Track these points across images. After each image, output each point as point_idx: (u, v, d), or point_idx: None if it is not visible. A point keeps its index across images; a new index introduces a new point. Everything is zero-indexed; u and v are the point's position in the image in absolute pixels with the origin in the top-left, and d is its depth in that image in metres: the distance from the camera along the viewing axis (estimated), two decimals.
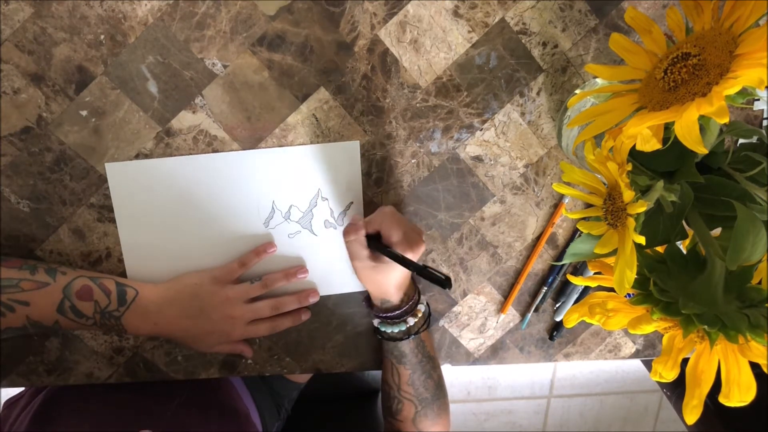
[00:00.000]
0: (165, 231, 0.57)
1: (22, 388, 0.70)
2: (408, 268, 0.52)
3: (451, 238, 0.63)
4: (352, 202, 0.60)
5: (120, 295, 0.54)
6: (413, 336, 0.59)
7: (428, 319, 0.61)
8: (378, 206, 0.60)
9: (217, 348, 0.59)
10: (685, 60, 0.35)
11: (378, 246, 0.54)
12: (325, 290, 0.63)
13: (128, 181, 0.55)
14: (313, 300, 0.61)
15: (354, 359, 0.66)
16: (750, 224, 0.34)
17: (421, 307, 0.60)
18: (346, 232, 0.55)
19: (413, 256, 0.54)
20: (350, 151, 0.58)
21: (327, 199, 0.60)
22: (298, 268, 0.60)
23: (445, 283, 0.49)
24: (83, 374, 0.61)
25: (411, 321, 0.58)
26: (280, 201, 0.59)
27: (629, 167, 0.37)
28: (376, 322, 0.60)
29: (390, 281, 0.56)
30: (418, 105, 0.58)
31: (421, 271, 0.51)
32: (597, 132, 0.40)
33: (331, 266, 0.62)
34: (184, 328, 0.55)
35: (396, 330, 0.58)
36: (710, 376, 0.38)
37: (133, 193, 0.56)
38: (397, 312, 0.58)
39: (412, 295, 0.59)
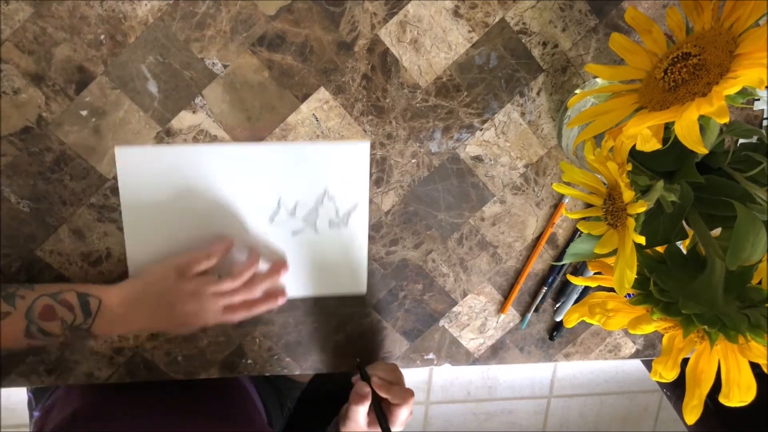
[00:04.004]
0: (169, 218, 0.57)
1: (28, 390, 0.70)
2: None
3: (451, 238, 0.64)
4: (358, 203, 0.60)
5: (83, 307, 0.52)
6: None
7: None
8: (378, 206, 0.60)
9: (201, 327, 0.58)
10: (685, 60, 0.35)
11: (378, 414, 0.57)
12: (325, 290, 0.63)
13: (137, 166, 0.54)
14: (284, 272, 0.60)
15: (354, 359, 0.66)
16: (750, 224, 0.34)
17: None
18: (354, 401, 0.57)
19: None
20: (360, 151, 0.58)
21: (333, 198, 0.59)
22: (279, 263, 0.59)
23: None
24: (83, 374, 0.61)
25: None
26: (287, 197, 0.59)
27: (629, 167, 0.37)
28: None
29: None
30: (418, 105, 0.58)
31: None
32: (597, 132, 0.40)
33: (334, 266, 0.62)
34: (158, 323, 0.55)
35: None
36: (710, 376, 0.38)
37: (141, 179, 0.55)
38: None
39: None
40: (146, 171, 0.55)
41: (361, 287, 0.63)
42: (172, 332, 0.57)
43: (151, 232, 0.57)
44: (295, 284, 0.62)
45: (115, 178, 0.55)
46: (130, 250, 0.57)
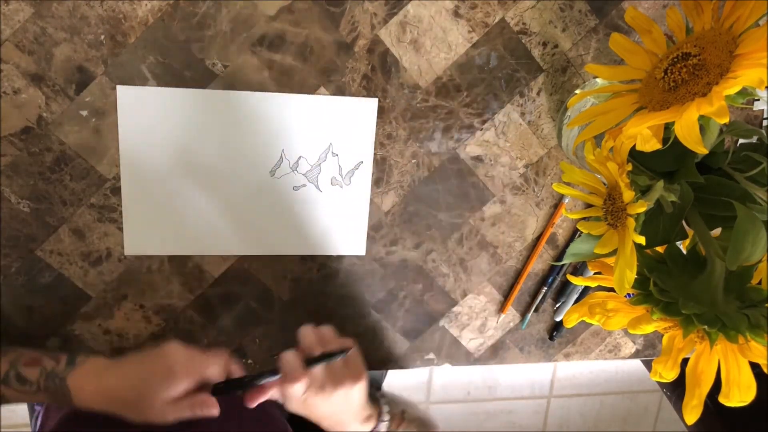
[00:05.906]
0: (168, 163, 0.55)
1: None
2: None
3: (451, 238, 0.63)
4: (362, 162, 0.59)
5: (70, 359, 0.51)
6: None
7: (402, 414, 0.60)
8: (377, 207, 0.60)
9: (171, 418, 0.51)
10: (685, 60, 0.35)
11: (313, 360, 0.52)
12: (322, 250, 0.61)
13: (138, 106, 0.53)
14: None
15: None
16: (750, 224, 0.34)
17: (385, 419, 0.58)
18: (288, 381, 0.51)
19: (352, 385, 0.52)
20: (367, 108, 0.57)
21: (337, 155, 0.58)
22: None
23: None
24: None
25: None
26: (290, 151, 0.57)
27: (629, 167, 0.37)
28: None
29: (344, 409, 0.53)
30: (418, 105, 0.58)
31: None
32: (597, 132, 0.40)
33: (333, 225, 0.61)
34: (123, 400, 0.50)
35: None
36: (710, 376, 0.38)
37: (141, 120, 0.54)
38: None
39: (375, 415, 0.57)
40: (147, 110, 0.53)
41: (360, 249, 0.62)
42: (138, 417, 0.51)
43: (149, 171, 0.55)
44: (293, 242, 0.60)
45: (115, 178, 0.55)
46: (126, 192, 0.55)
